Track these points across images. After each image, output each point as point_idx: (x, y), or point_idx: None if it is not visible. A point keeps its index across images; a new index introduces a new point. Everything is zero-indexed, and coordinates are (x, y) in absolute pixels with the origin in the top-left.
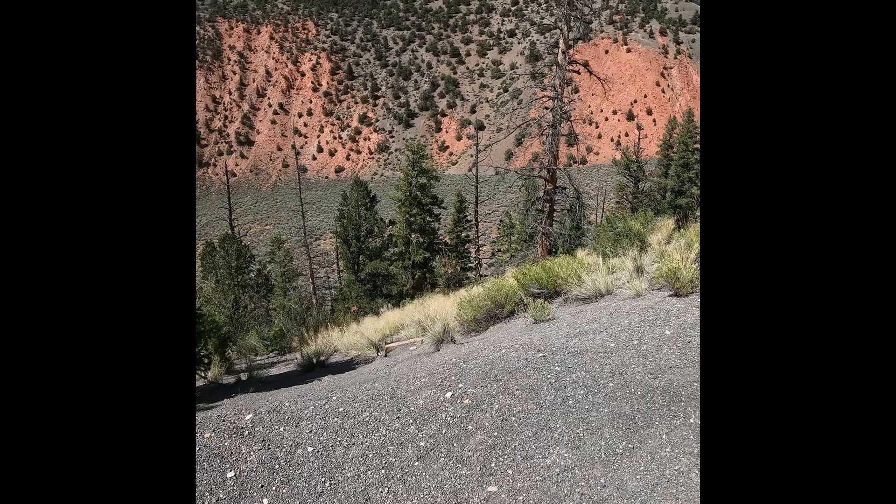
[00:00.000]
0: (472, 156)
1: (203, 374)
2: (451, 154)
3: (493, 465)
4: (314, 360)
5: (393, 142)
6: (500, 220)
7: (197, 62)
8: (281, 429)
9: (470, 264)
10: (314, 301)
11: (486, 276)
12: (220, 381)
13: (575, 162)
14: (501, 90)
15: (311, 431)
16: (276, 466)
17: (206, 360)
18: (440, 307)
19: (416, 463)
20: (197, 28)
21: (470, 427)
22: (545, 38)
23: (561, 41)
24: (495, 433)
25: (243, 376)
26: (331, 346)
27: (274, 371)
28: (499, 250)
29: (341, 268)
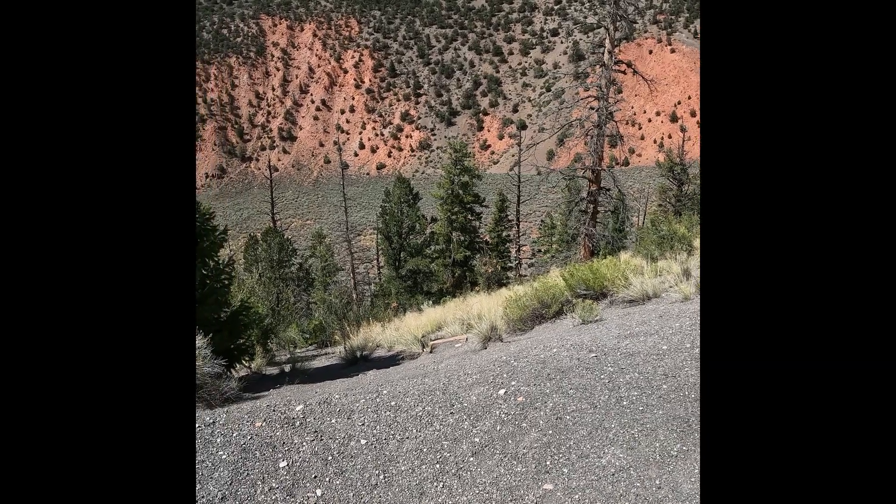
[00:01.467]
0: (513, 155)
1: (247, 365)
2: (492, 153)
3: (548, 462)
4: (357, 354)
5: (435, 140)
6: (542, 221)
7: (241, 58)
8: (333, 421)
9: (510, 264)
10: (354, 296)
11: (525, 276)
12: (263, 371)
13: (617, 163)
14: (544, 90)
15: (363, 424)
16: (330, 458)
17: (250, 351)
18: (483, 306)
19: (471, 458)
20: (241, 25)
21: (524, 425)
22: (588, 37)
23: (607, 40)
24: (550, 431)
25: (286, 368)
26: (373, 340)
27: (316, 364)
28: (539, 250)
29: (381, 264)
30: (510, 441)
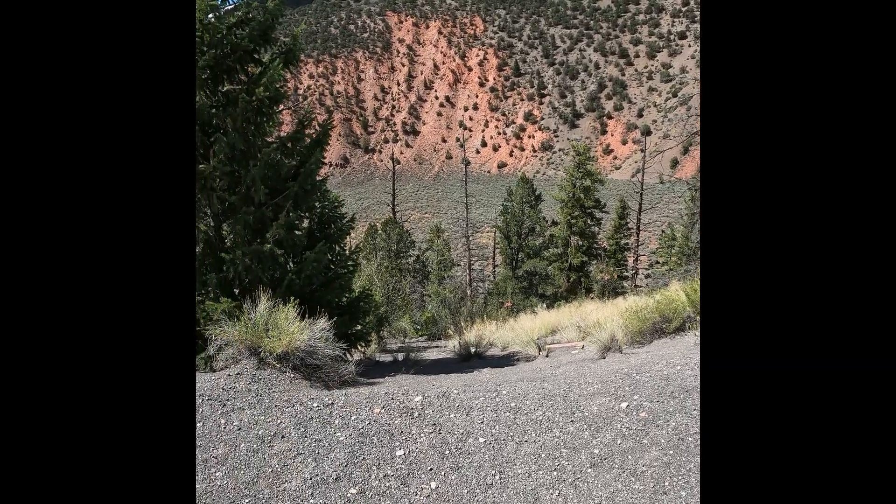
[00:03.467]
0: (636, 161)
1: (362, 351)
2: (615, 158)
3: (666, 483)
4: (472, 351)
5: (557, 141)
6: (662, 231)
7: (367, 53)
8: (452, 415)
9: (626, 273)
10: (469, 292)
11: (641, 287)
12: (376, 358)
13: None
14: (670, 95)
15: (482, 422)
16: (447, 452)
17: (367, 338)
18: (600, 314)
19: (589, 470)
20: (368, 21)
21: (645, 441)
22: None
23: None
24: (671, 451)
25: (398, 356)
26: (487, 338)
27: (427, 355)
28: (657, 262)
29: (498, 262)
30: (629, 457)
